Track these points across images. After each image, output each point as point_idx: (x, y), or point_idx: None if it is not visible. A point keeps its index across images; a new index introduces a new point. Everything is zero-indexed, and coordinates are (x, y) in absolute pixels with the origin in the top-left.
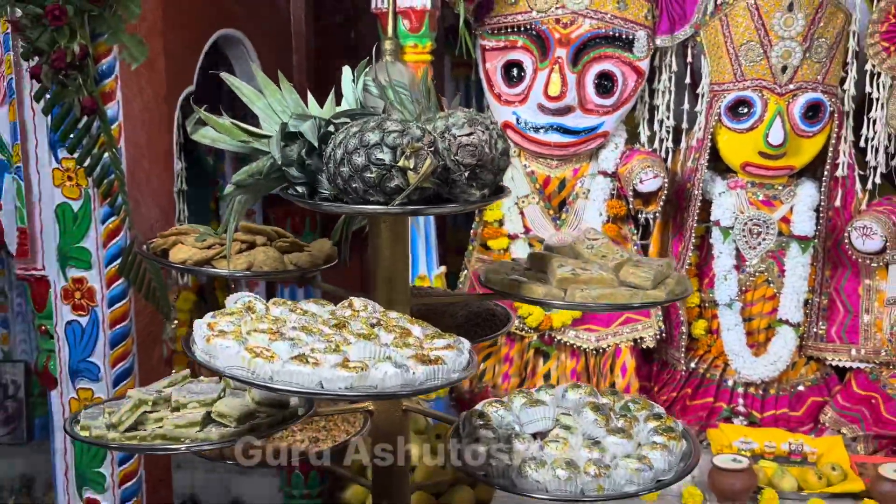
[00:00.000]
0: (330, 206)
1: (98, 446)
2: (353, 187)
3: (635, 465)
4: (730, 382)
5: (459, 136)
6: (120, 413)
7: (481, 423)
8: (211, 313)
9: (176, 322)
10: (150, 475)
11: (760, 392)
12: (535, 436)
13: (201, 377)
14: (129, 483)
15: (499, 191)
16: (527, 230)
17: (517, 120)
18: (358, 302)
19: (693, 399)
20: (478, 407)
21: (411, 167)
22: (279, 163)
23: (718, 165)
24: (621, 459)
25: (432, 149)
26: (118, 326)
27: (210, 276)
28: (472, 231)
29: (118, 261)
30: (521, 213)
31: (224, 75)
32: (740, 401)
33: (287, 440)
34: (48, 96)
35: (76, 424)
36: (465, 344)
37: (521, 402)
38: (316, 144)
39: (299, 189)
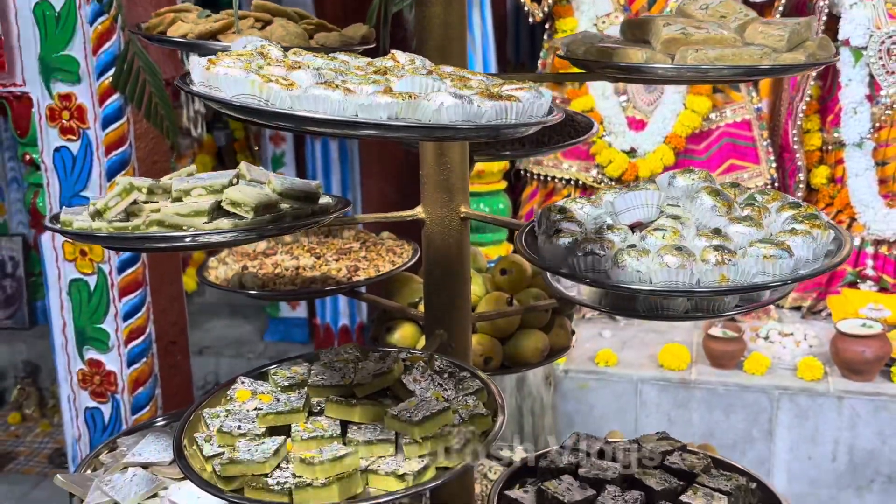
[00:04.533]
0: None
1: (81, 239)
2: None
3: (770, 252)
4: (857, 240)
5: None
6: (107, 198)
7: (561, 216)
8: (209, 57)
9: None
10: (161, 331)
11: (894, 252)
12: (632, 228)
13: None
14: (137, 341)
15: None
16: None
17: None
18: (402, 55)
19: None
20: (558, 202)
21: None
22: None
23: None
24: (751, 246)
25: None
26: (115, 153)
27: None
28: (539, 62)
29: (112, 71)
30: None
31: None
32: (869, 262)
33: (321, 269)
34: None
35: (56, 222)
36: (546, 91)
37: (614, 196)
38: None
39: None
